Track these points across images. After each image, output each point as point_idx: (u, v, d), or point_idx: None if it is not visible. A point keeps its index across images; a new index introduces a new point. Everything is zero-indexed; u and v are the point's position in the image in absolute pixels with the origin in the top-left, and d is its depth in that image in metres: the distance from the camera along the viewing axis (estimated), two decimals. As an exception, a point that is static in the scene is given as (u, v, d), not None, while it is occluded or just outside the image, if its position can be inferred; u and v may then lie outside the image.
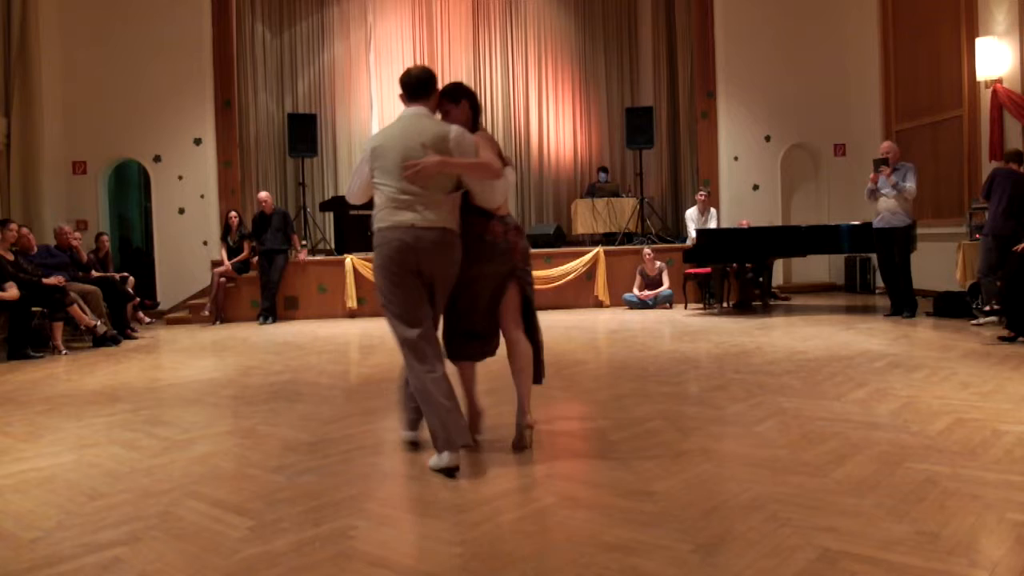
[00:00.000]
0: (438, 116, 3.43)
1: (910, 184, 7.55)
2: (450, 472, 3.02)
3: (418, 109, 3.37)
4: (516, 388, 3.46)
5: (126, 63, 10.59)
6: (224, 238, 10.00)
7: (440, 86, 3.48)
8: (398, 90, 3.47)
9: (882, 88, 10.69)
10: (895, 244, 7.66)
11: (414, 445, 3.45)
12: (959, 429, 3.40)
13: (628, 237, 10.95)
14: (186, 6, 10.72)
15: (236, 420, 4.16)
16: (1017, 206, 6.68)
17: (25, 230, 7.76)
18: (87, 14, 10.55)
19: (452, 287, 3.39)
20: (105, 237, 9.56)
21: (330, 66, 13.02)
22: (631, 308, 9.64)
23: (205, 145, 10.84)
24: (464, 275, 3.36)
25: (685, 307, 9.51)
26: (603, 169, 12.81)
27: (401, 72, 3.52)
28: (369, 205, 3.39)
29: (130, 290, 8.73)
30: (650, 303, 9.58)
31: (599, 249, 10.11)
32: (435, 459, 3.08)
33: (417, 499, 2.82)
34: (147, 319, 9.58)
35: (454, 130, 3.31)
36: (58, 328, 7.21)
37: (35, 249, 7.82)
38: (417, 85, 3.40)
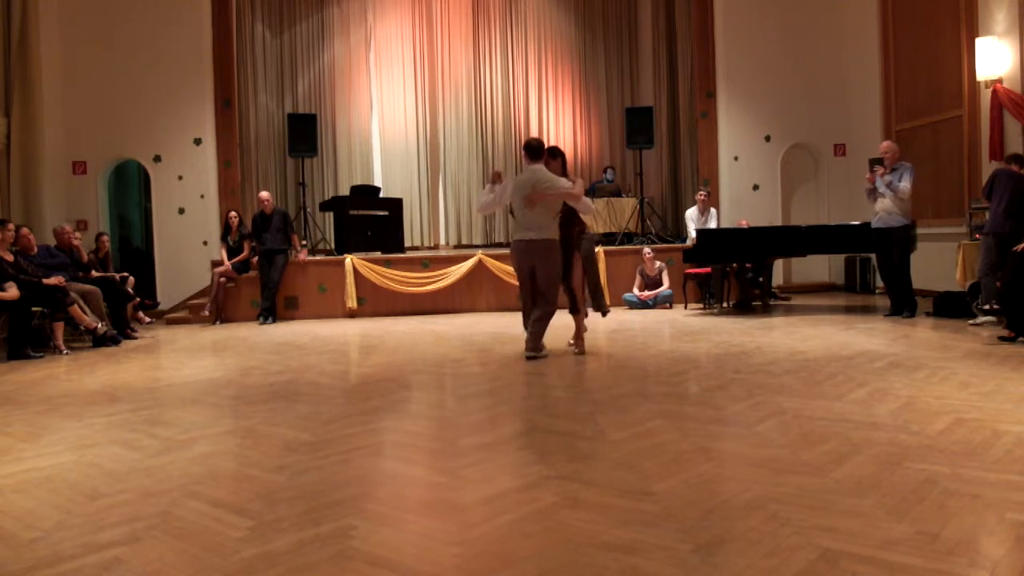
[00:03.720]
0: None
1: (903, 184, 7.55)
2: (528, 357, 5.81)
3: (537, 166, 5.81)
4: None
5: (126, 63, 10.59)
6: (224, 238, 10.00)
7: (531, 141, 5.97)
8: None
9: (882, 88, 10.68)
10: (893, 244, 7.66)
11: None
12: (959, 429, 3.40)
13: (628, 237, 10.95)
14: (186, 6, 10.72)
15: (236, 420, 4.16)
16: (1017, 206, 6.68)
17: (26, 230, 7.76)
18: (87, 14, 10.55)
19: (556, 276, 5.83)
20: (105, 237, 9.56)
21: (330, 66, 13.01)
22: (631, 308, 9.64)
23: (205, 145, 10.84)
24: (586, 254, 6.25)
25: (685, 307, 9.51)
26: (610, 168, 12.81)
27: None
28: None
29: (130, 290, 8.73)
30: (650, 303, 9.58)
31: (599, 249, 10.09)
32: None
33: (417, 499, 2.82)
34: (147, 319, 9.58)
35: (556, 177, 5.78)
36: (59, 328, 7.21)
37: (35, 249, 7.82)
38: (535, 152, 5.85)
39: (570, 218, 5.98)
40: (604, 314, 7.18)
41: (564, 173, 5.96)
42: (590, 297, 6.51)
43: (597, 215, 11.38)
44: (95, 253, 9.16)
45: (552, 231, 5.79)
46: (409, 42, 13.25)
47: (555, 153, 6.00)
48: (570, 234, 5.99)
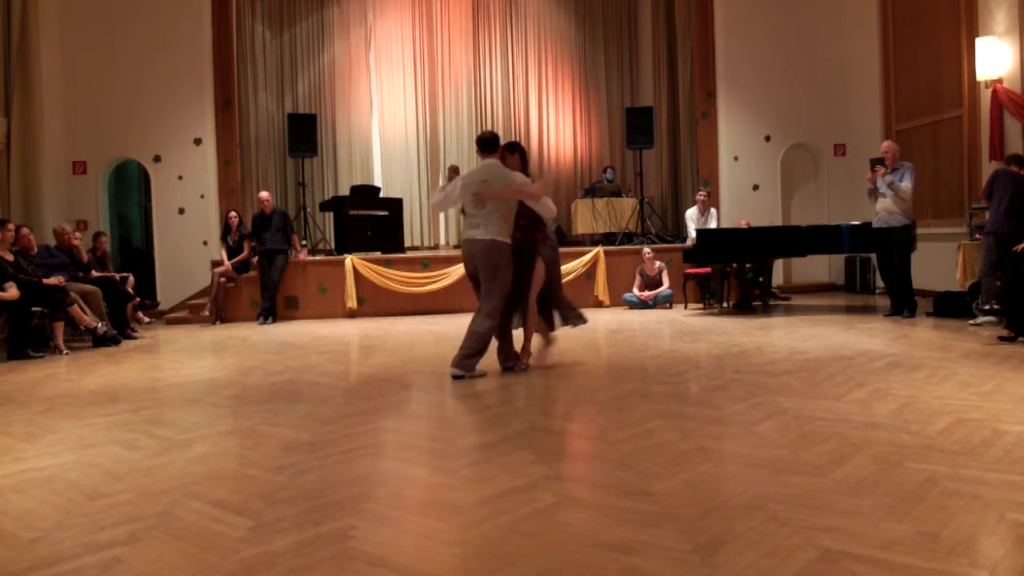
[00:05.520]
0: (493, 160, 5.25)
1: (905, 184, 7.54)
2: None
3: (490, 161, 5.22)
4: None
5: (126, 63, 10.59)
6: (224, 238, 10.00)
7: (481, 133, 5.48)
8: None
9: (882, 88, 10.68)
10: (893, 244, 7.66)
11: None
12: (959, 429, 3.40)
13: (628, 237, 10.95)
14: (186, 6, 10.72)
15: (236, 420, 4.16)
16: (1018, 206, 6.68)
17: (26, 230, 7.75)
18: (87, 14, 10.55)
19: (502, 281, 5.06)
20: (104, 237, 9.53)
21: (330, 66, 13.02)
22: (631, 308, 9.64)
23: (205, 145, 10.84)
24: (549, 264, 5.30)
25: (685, 307, 9.50)
26: (610, 168, 12.81)
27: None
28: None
29: (130, 290, 8.72)
30: (650, 303, 9.58)
31: (599, 249, 10.11)
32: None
33: (417, 499, 2.82)
34: (146, 319, 9.57)
35: (509, 173, 5.15)
36: (59, 328, 7.21)
37: (35, 249, 7.81)
38: (487, 145, 5.26)
39: (535, 222, 5.26)
40: (574, 326, 5.64)
41: (524, 170, 5.31)
42: (558, 313, 5.47)
43: (597, 215, 11.39)
44: (92, 252, 9.14)
45: (500, 232, 5.06)
46: (409, 42, 13.25)
47: (513, 148, 5.34)
48: (534, 239, 5.23)
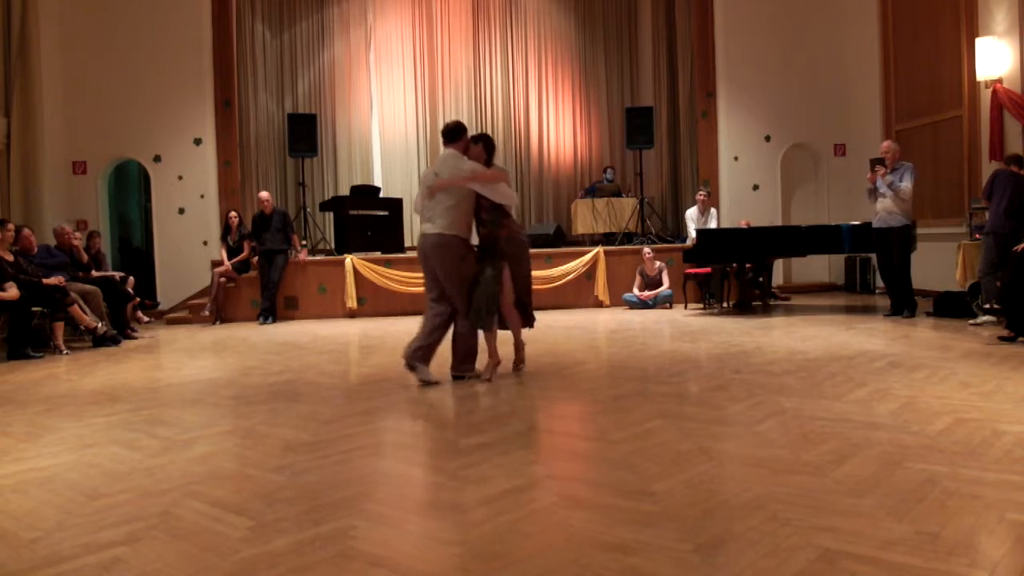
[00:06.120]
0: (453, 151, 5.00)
1: (905, 184, 7.54)
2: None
3: (450, 151, 4.99)
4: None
5: (126, 63, 10.59)
6: (224, 238, 10.00)
7: (447, 122, 5.23)
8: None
9: (882, 88, 10.68)
10: (893, 244, 7.66)
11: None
12: (959, 429, 3.40)
13: (628, 237, 10.95)
14: (186, 6, 10.72)
15: (236, 420, 4.16)
16: (1018, 206, 6.69)
17: (27, 231, 7.75)
18: (87, 14, 10.55)
19: (456, 276, 4.85)
20: (98, 237, 9.50)
21: (330, 66, 13.01)
22: (631, 308, 9.64)
23: (205, 145, 10.84)
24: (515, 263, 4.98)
25: (685, 307, 9.50)
26: (610, 168, 12.79)
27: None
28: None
29: (130, 290, 8.72)
30: (650, 303, 9.58)
31: (599, 249, 10.11)
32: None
33: (417, 499, 2.82)
34: (146, 319, 9.56)
35: (461, 162, 4.91)
36: (59, 328, 7.21)
37: (35, 249, 7.81)
38: (449, 134, 5.04)
39: (497, 216, 4.94)
40: (531, 326, 5.38)
41: (489, 162, 5.02)
42: (518, 310, 5.20)
43: (597, 215, 11.39)
44: (87, 252, 9.10)
45: (448, 225, 4.84)
46: (409, 42, 13.25)
47: (476, 139, 5.06)
48: (497, 235, 4.92)
